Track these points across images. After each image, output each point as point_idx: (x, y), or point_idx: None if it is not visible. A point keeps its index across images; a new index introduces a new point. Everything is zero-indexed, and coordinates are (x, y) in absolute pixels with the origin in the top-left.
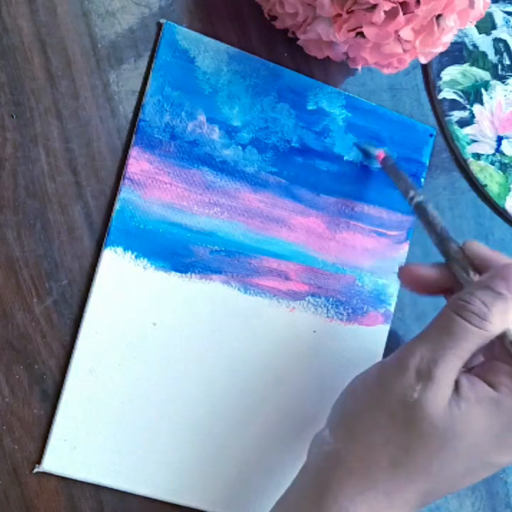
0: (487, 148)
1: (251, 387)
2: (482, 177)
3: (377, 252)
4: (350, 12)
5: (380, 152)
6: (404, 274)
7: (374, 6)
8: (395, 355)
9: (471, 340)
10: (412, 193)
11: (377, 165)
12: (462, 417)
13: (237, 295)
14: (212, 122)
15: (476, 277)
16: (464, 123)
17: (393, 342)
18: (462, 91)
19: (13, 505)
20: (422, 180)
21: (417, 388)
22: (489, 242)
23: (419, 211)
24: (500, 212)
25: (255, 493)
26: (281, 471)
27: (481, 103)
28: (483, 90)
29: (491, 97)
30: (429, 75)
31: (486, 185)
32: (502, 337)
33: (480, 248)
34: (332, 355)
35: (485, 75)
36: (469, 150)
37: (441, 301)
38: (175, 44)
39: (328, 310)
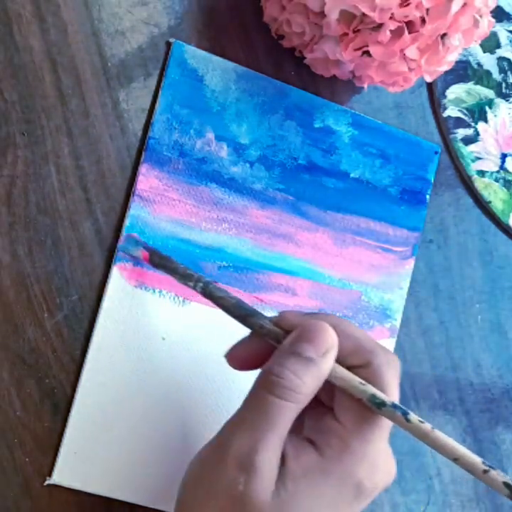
0: (491, 165)
1: None
2: (486, 194)
3: (382, 268)
4: (356, 31)
5: (142, 252)
6: (232, 360)
7: (380, 25)
8: (214, 443)
9: (287, 416)
10: (192, 281)
11: (384, 182)
12: (291, 499)
13: None
14: (220, 140)
15: None
16: (468, 140)
17: (399, 356)
18: (467, 109)
19: None
20: (427, 196)
21: (241, 480)
22: (493, 258)
23: (207, 295)
24: (505, 228)
25: None
26: None
27: (486, 121)
28: (487, 108)
29: (495, 115)
30: (434, 93)
31: (490, 202)
32: (359, 393)
33: (293, 316)
34: None
35: (489, 93)
36: (474, 167)
37: (445, 316)
38: (184, 63)
39: None
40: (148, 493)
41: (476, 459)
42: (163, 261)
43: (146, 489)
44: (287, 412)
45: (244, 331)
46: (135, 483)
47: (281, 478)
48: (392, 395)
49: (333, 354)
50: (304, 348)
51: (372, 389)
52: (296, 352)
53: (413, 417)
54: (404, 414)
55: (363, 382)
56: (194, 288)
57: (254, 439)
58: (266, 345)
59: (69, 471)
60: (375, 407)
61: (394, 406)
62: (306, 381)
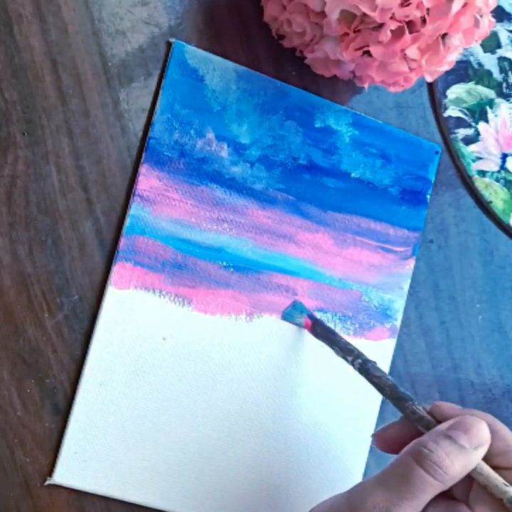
0: (492, 165)
1: (261, 402)
2: (487, 194)
3: (383, 268)
4: (357, 31)
5: (306, 319)
6: (379, 441)
7: (380, 25)
8: (348, 495)
9: (428, 493)
10: (351, 356)
11: (384, 182)
12: None
13: (244, 310)
14: (220, 140)
15: None
16: (469, 140)
17: (399, 356)
18: (467, 109)
19: None
20: (428, 196)
21: None
22: (494, 258)
23: (364, 373)
24: (505, 228)
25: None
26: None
27: (486, 121)
28: (488, 108)
29: (495, 115)
30: (434, 93)
31: (491, 202)
32: (500, 493)
33: (448, 408)
34: (339, 370)
35: (490, 93)
36: (474, 167)
37: (446, 316)
38: (184, 63)
39: (335, 325)
40: (148, 493)
41: None
42: (324, 332)
43: (147, 489)
44: (429, 488)
45: (251, 338)
46: (136, 483)
47: None
48: None
49: (484, 449)
50: (459, 436)
51: None
52: (451, 437)
53: None
54: None
55: (507, 483)
56: (352, 364)
57: (392, 502)
58: (414, 432)
59: (69, 471)
60: None
61: None
62: (455, 464)
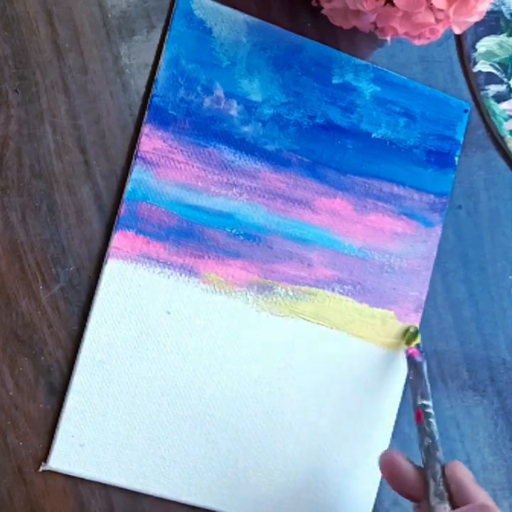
0: None
1: (268, 379)
2: None
3: (407, 236)
4: None
5: (413, 350)
6: (385, 460)
7: None
8: None
9: None
10: (423, 402)
11: (408, 143)
12: None
13: (256, 282)
14: (230, 97)
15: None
16: (500, 97)
17: (425, 332)
18: (499, 63)
19: (17, 506)
20: (456, 158)
21: None
22: None
23: (423, 420)
24: None
25: (274, 495)
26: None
27: None
28: None
29: None
30: (463, 46)
31: None
32: None
33: (460, 473)
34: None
35: None
36: (507, 126)
37: (475, 288)
38: (190, 14)
39: (354, 297)
40: (151, 479)
41: None
42: (419, 367)
43: (150, 475)
44: None
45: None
46: (137, 469)
47: None
48: None
49: None
50: None
51: None
52: None
53: None
54: None
55: None
56: (418, 406)
57: None
58: (417, 481)
59: (66, 455)
60: None
61: None
62: None
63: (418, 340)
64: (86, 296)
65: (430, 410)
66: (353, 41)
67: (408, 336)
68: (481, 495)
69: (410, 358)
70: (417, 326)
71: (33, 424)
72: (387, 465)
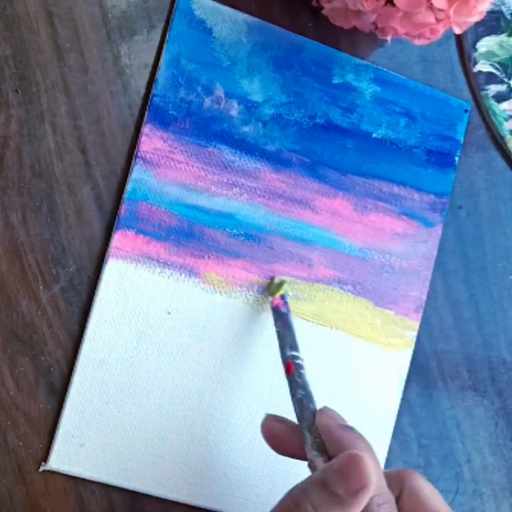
0: None
1: (268, 380)
2: None
3: (407, 236)
4: None
5: (278, 300)
6: (265, 428)
7: None
8: None
9: None
10: (292, 352)
11: (409, 143)
12: None
13: (257, 282)
14: (230, 97)
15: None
16: (501, 97)
17: (425, 332)
18: (499, 63)
19: (17, 506)
20: (457, 159)
21: None
22: None
23: (294, 372)
24: None
25: (275, 496)
26: None
27: None
28: None
29: None
30: (463, 46)
31: None
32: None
33: (326, 419)
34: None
35: None
36: (507, 126)
37: (476, 288)
38: (190, 14)
39: (354, 297)
40: (152, 480)
41: None
42: (285, 317)
43: (150, 476)
44: None
45: (263, 313)
46: (138, 470)
47: None
48: None
49: (366, 495)
50: (335, 481)
51: None
52: (324, 481)
53: None
54: None
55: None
56: (286, 358)
57: None
58: (297, 441)
59: (66, 455)
60: None
61: None
62: None
63: (283, 290)
64: (86, 296)
65: (300, 361)
66: (354, 41)
67: (273, 287)
68: (346, 439)
69: (276, 309)
70: (283, 277)
71: (33, 424)
72: (265, 431)
